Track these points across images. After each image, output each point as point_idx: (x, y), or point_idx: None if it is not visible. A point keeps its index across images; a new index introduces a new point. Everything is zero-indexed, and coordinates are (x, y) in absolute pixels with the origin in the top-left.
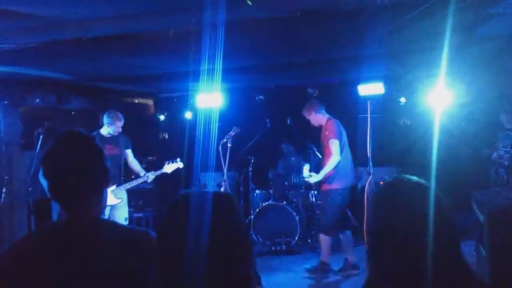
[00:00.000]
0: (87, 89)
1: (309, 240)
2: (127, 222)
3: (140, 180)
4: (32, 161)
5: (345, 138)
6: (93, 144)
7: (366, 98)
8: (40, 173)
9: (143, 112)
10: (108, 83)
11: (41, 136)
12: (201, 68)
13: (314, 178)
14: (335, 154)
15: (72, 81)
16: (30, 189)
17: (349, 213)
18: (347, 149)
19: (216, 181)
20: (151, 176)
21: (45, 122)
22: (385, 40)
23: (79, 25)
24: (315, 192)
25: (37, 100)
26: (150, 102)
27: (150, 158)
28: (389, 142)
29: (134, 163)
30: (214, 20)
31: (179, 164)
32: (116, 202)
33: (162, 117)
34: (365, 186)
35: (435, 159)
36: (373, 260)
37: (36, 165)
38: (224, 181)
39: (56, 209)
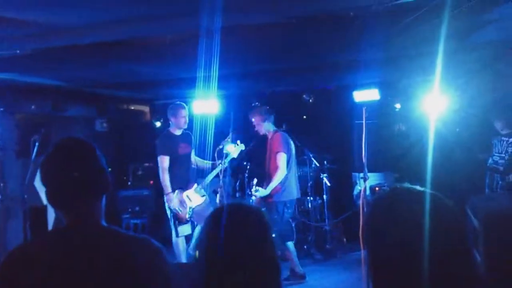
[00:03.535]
0: (83, 96)
1: (305, 246)
2: None
3: (216, 171)
4: (27, 168)
5: (293, 152)
6: (92, 149)
7: (361, 104)
8: (36, 180)
9: (139, 119)
10: (104, 90)
11: (36, 143)
12: (197, 74)
13: (261, 193)
14: (282, 168)
15: (68, 87)
16: (25, 196)
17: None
18: (294, 162)
19: (212, 187)
20: (223, 165)
21: (41, 129)
22: (381, 46)
23: (75, 32)
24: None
25: (33, 106)
26: (146, 108)
27: (147, 164)
28: (385, 148)
29: (198, 161)
30: (210, 26)
31: (241, 146)
32: (202, 201)
33: (158, 124)
34: (360, 192)
35: (430, 165)
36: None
37: (32, 172)
38: (220, 187)
39: (52, 216)
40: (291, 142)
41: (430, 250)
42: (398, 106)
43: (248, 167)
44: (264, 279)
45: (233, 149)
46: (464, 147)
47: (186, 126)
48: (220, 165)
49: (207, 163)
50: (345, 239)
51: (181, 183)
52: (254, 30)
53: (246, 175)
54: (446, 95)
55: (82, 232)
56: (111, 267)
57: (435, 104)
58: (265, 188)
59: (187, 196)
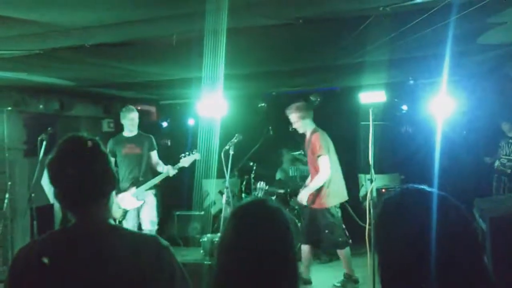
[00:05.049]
0: (90, 96)
1: None
2: (155, 227)
3: (160, 178)
4: (35, 167)
5: (332, 151)
6: (97, 147)
7: (368, 106)
8: (43, 179)
9: (146, 119)
10: (111, 90)
11: (44, 142)
12: (204, 75)
13: (304, 195)
14: (325, 171)
15: (75, 87)
16: (33, 195)
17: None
18: (336, 162)
19: (218, 188)
20: (171, 171)
21: (48, 128)
22: (387, 48)
23: (82, 32)
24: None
25: (41, 106)
26: (152, 109)
27: None
28: (391, 150)
29: (158, 165)
30: (217, 27)
31: (195, 156)
32: (138, 205)
33: (165, 124)
34: (366, 193)
35: (437, 167)
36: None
37: (39, 171)
38: (226, 188)
39: (58, 215)
40: (330, 140)
41: (440, 250)
42: (404, 107)
43: (254, 168)
44: (281, 278)
45: (186, 159)
46: (471, 149)
47: (133, 128)
48: (166, 172)
49: (163, 169)
50: (350, 241)
51: (123, 183)
52: (260, 31)
53: (252, 175)
54: (453, 97)
55: (89, 231)
56: (118, 265)
57: (442, 106)
58: (305, 191)
59: (121, 198)
